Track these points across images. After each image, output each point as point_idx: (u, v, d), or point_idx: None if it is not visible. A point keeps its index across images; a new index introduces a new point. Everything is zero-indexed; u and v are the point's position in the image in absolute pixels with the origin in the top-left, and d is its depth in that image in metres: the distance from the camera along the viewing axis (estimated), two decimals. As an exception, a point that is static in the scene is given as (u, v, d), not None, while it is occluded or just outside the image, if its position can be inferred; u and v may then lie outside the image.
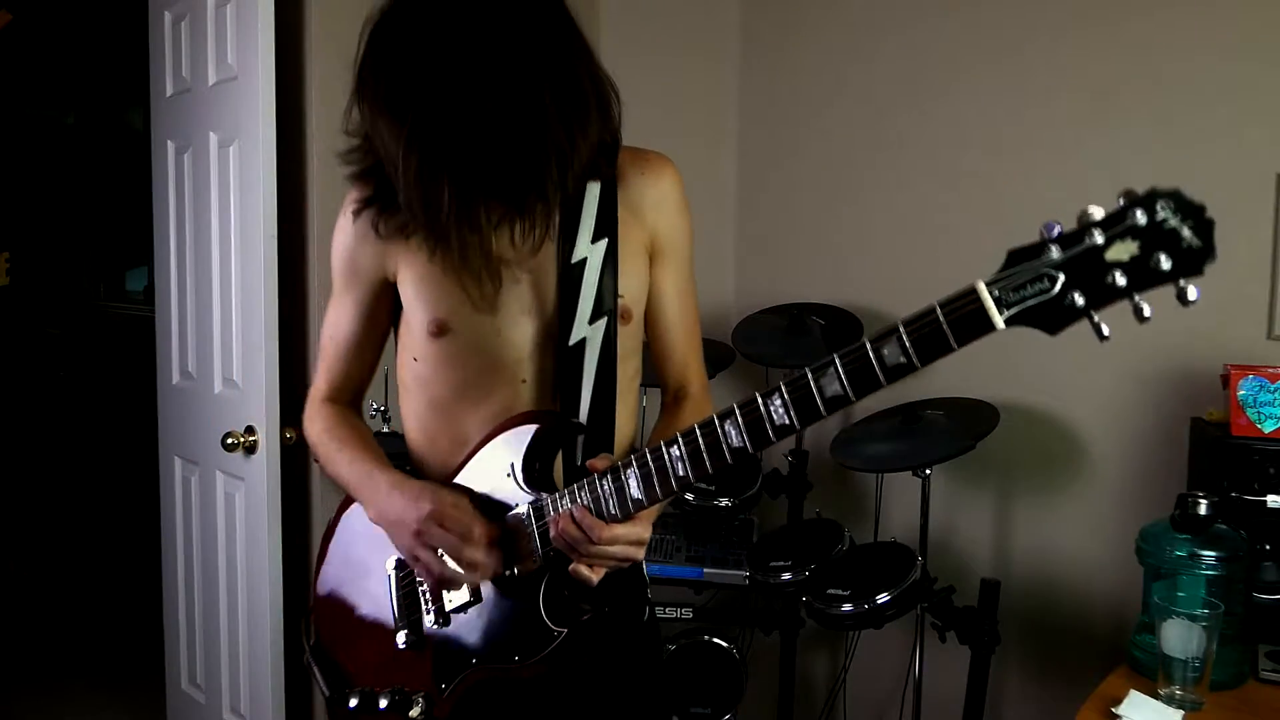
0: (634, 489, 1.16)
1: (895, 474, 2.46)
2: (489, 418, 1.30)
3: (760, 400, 1.06)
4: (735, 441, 1.08)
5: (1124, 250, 0.89)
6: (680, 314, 1.40)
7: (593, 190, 1.28)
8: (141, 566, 3.44)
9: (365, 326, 1.39)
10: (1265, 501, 1.78)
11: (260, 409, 2.36)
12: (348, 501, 1.45)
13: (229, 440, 2.37)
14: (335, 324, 1.42)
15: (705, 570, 2.47)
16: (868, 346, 0.98)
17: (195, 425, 2.62)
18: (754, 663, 2.64)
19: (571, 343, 1.28)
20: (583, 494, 1.20)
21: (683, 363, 1.43)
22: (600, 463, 1.20)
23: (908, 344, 0.97)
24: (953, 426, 2.17)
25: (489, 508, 1.27)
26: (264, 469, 2.37)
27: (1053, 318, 0.94)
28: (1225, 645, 1.54)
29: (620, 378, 1.31)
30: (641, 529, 1.21)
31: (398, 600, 1.36)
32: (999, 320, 0.94)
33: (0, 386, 4.63)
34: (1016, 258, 0.94)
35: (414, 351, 1.33)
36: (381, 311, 1.39)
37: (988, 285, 0.94)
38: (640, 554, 1.23)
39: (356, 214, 1.32)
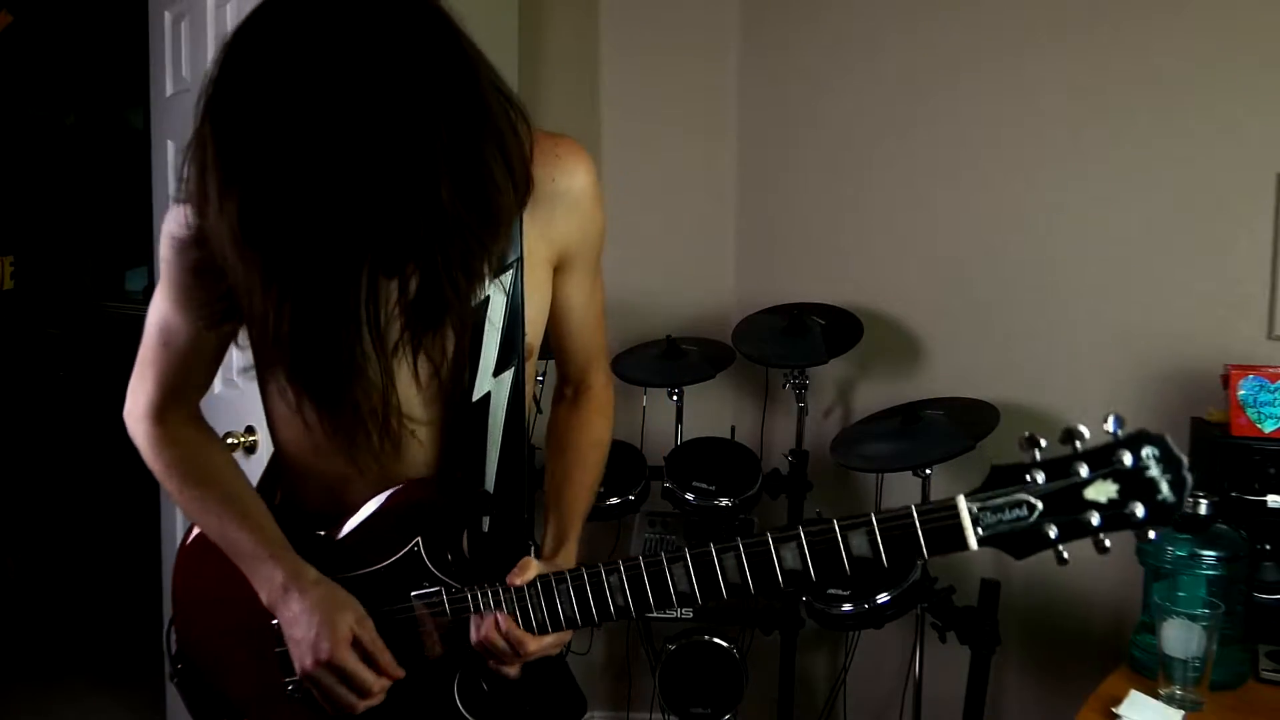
0: (565, 608, 1.09)
1: (895, 474, 2.46)
2: (372, 475, 1.13)
3: (714, 552, 1.02)
4: (683, 586, 1.03)
5: (1102, 491, 0.93)
6: (586, 317, 1.27)
7: None
8: (141, 566, 3.43)
9: (209, 337, 1.17)
10: (1265, 501, 1.78)
11: (260, 409, 2.36)
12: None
13: (229, 440, 2.37)
14: (170, 330, 1.18)
15: (705, 570, 2.46)
16: (836, 526, 0.99)
17: (195, 425, 2.62)
18: (754, 663, 2.64)
19: (475, 399, 1.13)
20: (506, 597, 1.10)
21: (585, 361, 1.32)
22: (519, 576, 1.10)
23: (877, 538, 0.98)
24: (953, 426, 2.17)
25: (388, 581, 1.14)
26: (264, 469, 2.37)
27: (1023, 544, 0.96)
28: (1225, 645, 1.54)
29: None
30: (564, 634, 1.13)
31: (284, 652, 1.17)
32: (972, 541, 0.96)
33: (0, 386, 4.63)
34: (1000, 478, 0.96)
35: (269, 382, 1.17)
36: (230, 326, 1.10)
37: (968, 499, 0.95)
38: (558, 650, 1.16)
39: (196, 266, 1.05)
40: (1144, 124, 2.21)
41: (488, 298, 1.10)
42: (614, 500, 2.45)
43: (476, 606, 1.12)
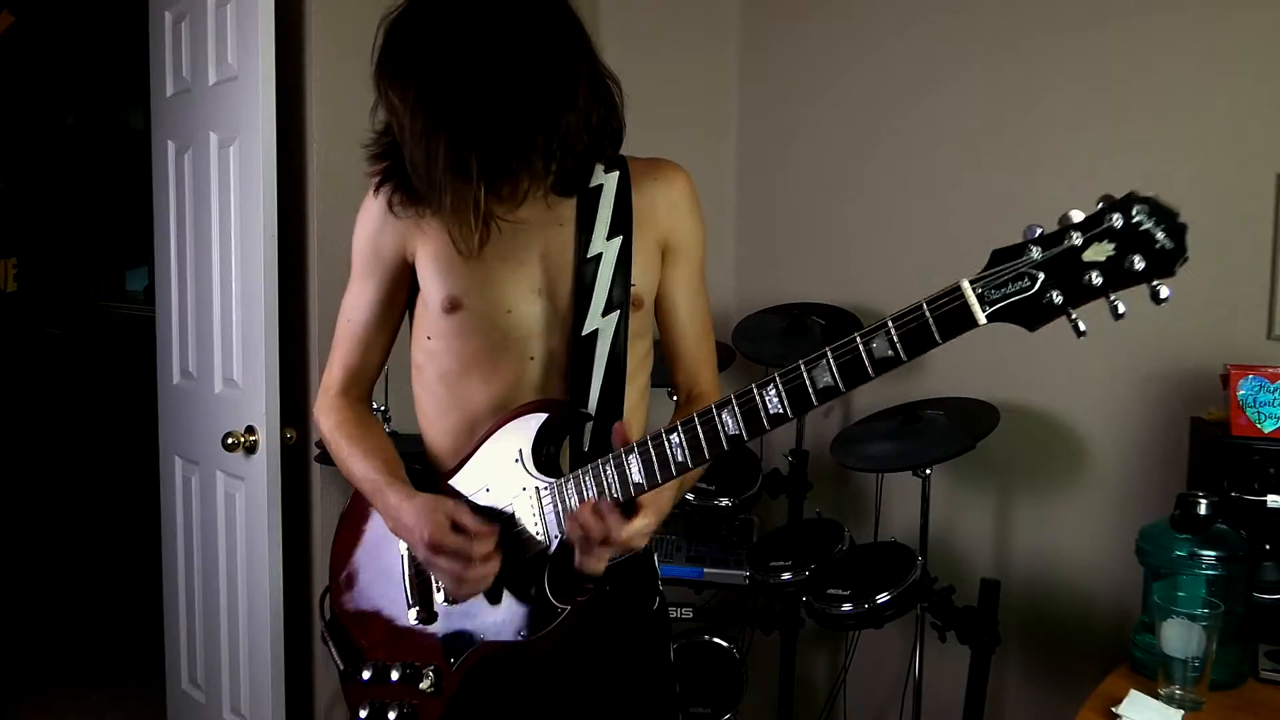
0: (635, 473, 1.20)
1: (895, 474, 2.46)
2: (497, 393, 1.35)
3: (755, 390, 1.12)
4: (731, 429, 1.14)
5: (1100, 251, 0.97)
6: (691, 316, 1.46)
7: (608, 188, 1.35)
8: (141, 566, 3.44)
9: (384, 310, 1.43)
10: (1265, 501, 1.78)
11: (260, 409, 2.36)
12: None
13: (229, 440, 2.37)
14: (355, 306, 1.45)
15: (705, 570, 2.47)
16: (858, 340, 1.04)
17: (195, 425, 2.62)
18: (754, 663, 2.64)
19: (585, 333, 1.33)
20: (587, 478, 1.24)
21: (694, 367, 1.50)
22: (619, 439, 1.24)
23: (895, 338, 1.03)
24: (953, 426, 2.17)
25: (495, 493, 1.32)
26: (264, 469, 2.37)
27: (1032, 314, 1.02)
28: (1225, 645, 1.54)
29: (630, 360, 1.36)
30: (652, 520, 1.26)
31: (410, 581, 1.40)
32: (981, 316, 1.02)
33: (1, 387, 4.63)
34: (999, 257, 1.01)
35: (428, 330, 1.38)
36: (400, 295, 1.43)
37: (971, 283, 1.01)
38: (645, 543, 1.29)
39: (377, 189, 1.36)
40: (1144, 124, 2.21)
41: (600, 254, 1.33)
42: (614, 500, 2.45)
43: (562, 493, 1.27)
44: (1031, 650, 2.41)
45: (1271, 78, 2.05)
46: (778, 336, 2.47)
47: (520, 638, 1.30)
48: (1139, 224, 0.97)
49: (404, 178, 1.30)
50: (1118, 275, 0.97)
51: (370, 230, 1.41)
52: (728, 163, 2.93)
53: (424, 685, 1.36)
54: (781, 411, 1.11)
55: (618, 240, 1.34)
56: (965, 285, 1.01)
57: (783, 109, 2.84)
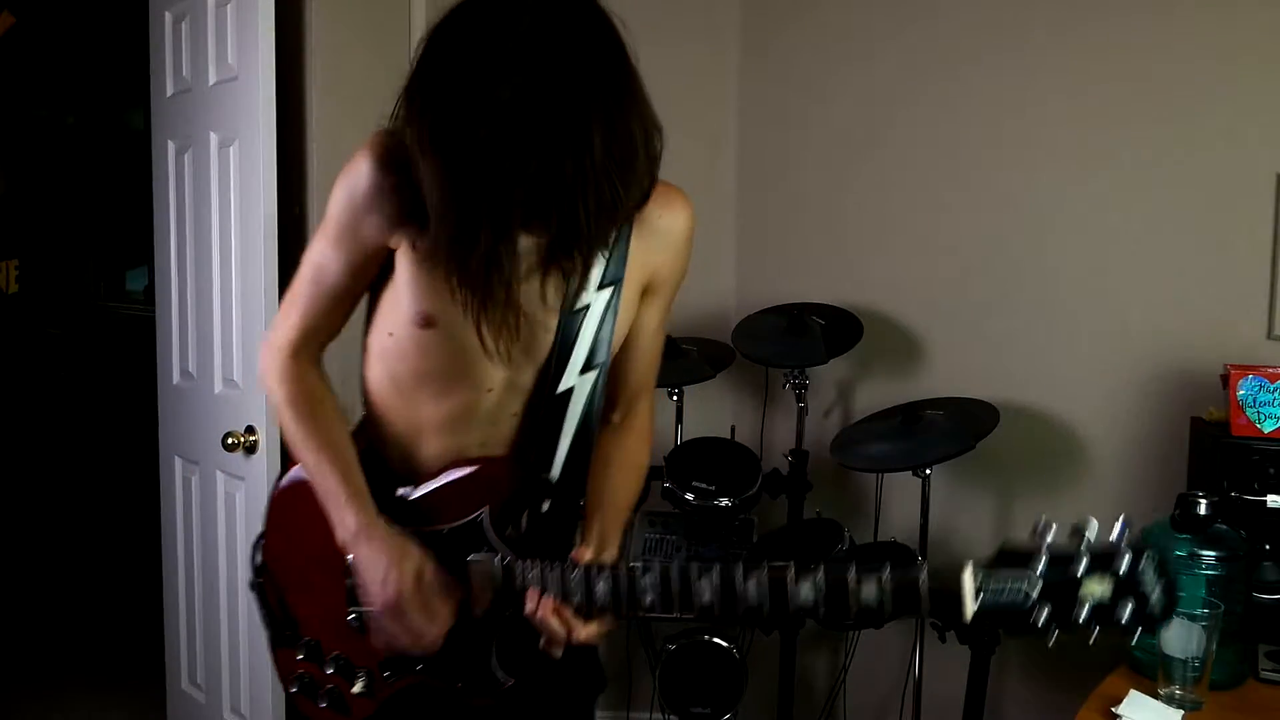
0: (600, 596, 1.19)
1: (895, 474, 2.46)
2: (447, 414, 1.28)
3: (739, 570, 1.11)
4: (705, 599, 1.12)
5: (1098, 587, 1.00)
6: (651, 347, 1.40)
7: None
8: (141, 566, 3.44)
9: (353, 281, 1.31)
10: (1265, 501, 1.78)
11: (260, 409, 2.36)
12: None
13: (229, 440, 2.37)
14: (322, 269, 1.31)
15: (705, 570, 2.46)
16: (853, 570, 1.06)
17: (195, 425, 2.62)
18: (754, 663, 2.64)
19: (559, 390, 1.27)
20: (552, 575, 1.21)
21: (638, 390, 1.43)
22: (581, 554, 1.25)
23: (886, 588, 1.04)
24: (953, 426, 2.17)
25: (451, 541, 1.28)
26: (264, 469, 2.37)
27: (1015, 621, 1.02)
28: (1225, 645, 1.54)
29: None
30: (611, 624, 1.25)
31: (352, 585, 1.32)
32: (969, 610, 1.02)
33: (1, 387, 4.63)
34: (1007, 556, 1.03)
35: (391, 327, 1.28)
36: (372, 269, 1.30)
37: (973, 571, 1.02)
38: (598, 640, 1.27)
39: (386, 155, 1.19)
40: (1144, 124, 2.21)
41: (588, 306, 1.25)
42: (614, 500, 2.45)
43: (524, 576, 1.23)
44: (1031, 650, 2.41)
45: (1271, 78, 2.05)
46: (778, 336, 2.47)
47: (458, 688, 1.29)
48: (1141, 577, 0.99)
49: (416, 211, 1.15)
50: (1104, 619, 0.99)
51: (355, 206, 1.24)
52: (728, 162, 2.93)
53: (356, 688, 1.32)
54: (755, 605, 1.11)
55: (608, 291, 1.26)
56: (967, 578, 1.02)
57: (783, 109, 2.84)
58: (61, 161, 4.90)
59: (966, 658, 2.06)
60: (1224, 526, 1.66)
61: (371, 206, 1.23)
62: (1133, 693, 1.54)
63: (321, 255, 1.31)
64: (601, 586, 1.18)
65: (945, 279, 2.53)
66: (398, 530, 1.27)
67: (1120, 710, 1.51)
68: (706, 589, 1.12)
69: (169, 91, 2.65)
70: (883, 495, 2.58)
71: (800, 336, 2.44)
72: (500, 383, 1.27)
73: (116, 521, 4.38)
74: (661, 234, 1.29)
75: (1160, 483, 2.14)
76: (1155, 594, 0.98)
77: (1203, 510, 1.64)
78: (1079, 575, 0.99)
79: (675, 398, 2.61)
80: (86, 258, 5.05)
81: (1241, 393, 1.83)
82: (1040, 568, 1.00)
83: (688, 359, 2.57)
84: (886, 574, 1.04)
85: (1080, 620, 0.99)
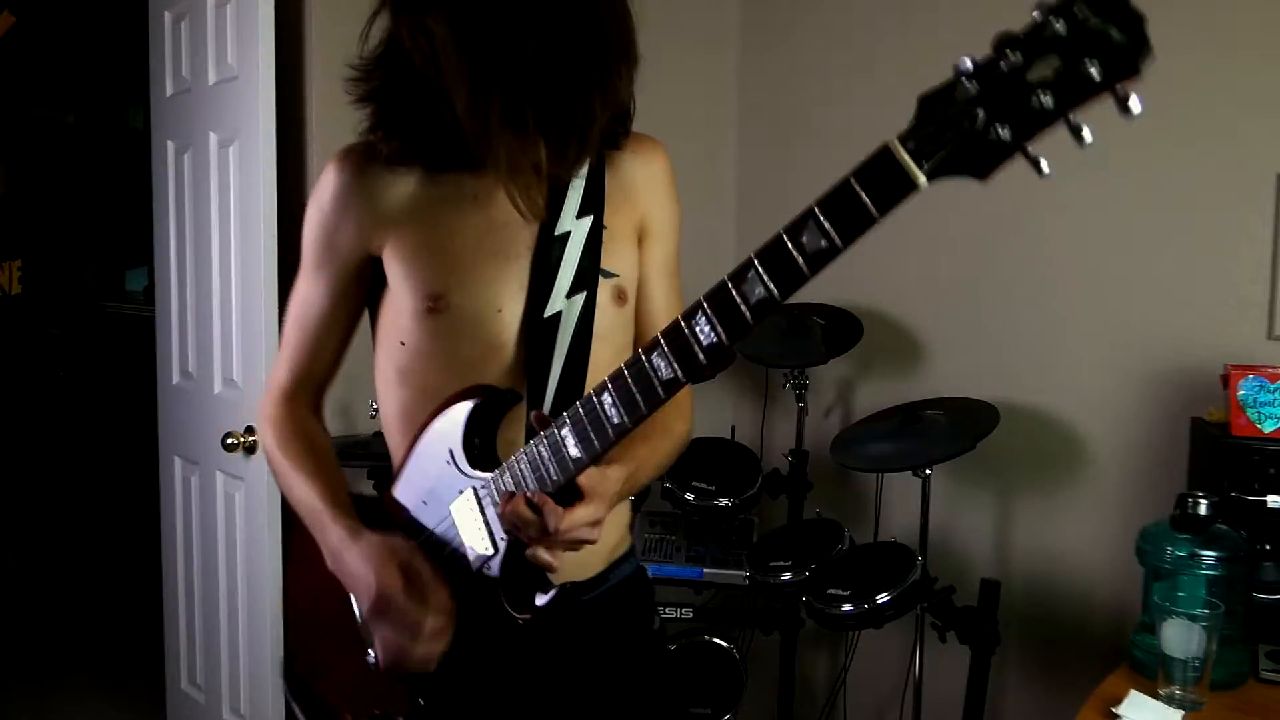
0: (571, 447, 1.06)
1: (895, 474, 2.46)
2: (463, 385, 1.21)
3: (682, 322, 0.96)
4: (665, 373, 0.98)
5: (1047, 67, 0.78)
6: (664, 297, 1.34)
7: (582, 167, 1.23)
8: (141, 566, 3.44)
9: (338, 307, 1.28)
10: (1265, 501, 1.78)
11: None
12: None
13: (229, 440, 2.37)
14: (306, 303, 1.29)
15: (705, 570, 2.47)
16: (784, 236, 0.90)
17: (195, 425, 2.62)
18: (754, 663, 2.64)
19: (547, 315, 1.21)
20: (520, 464, 1.11)
21: None
22: (538, 423, 1.12)
23: (825, 225, 0.88)
24: (953, 426, 2.17)
25: (433, 505, 1.20)
26: (264, 469, 2.37)
27: (979, 159, 0.82)
28: (1225, 645, 1.54)
29: (600, 356, 1.23)
30: (596, 508, 1.11)
31: (361, 618, 1.26)
32: (920, 177, 0.83)
33: (1, 387, 4.63)
34: (929, 103, 0.83)
35: (401, 335, 1.24)
36: (358, 292, 1.28)
37: (901, 140, 0.84)
38: (597, 535, 1.13)
39: (370, 135, 1.21)
40: (1144, 124, 2.20)
41: (569, 232, 1.21)
42: (614, 500, 2.45)
43: (498, 486, 1.13)
44: (1031, 650, 2.41)
45: (1271, 77, 2.05)
46: (778, 336, 2.47)
47: (483, 659, 1.20)
48: (1085, 22, 0.76)
49: (403, 122, 1.17)
50: (1072, 88, 0.78)
51: (326, 217, 1.24)
52: (728, 163, 2.92)
53: None
54: (716, 340, 0.95)
55: (588, 220, 1.22)
56: (895, 144, 0.84)
57: (782, 109, 2.84)
58: (61, 161, 4.90)
59: (966, 658, 2.07)
60: (1224, 527, 1.66)
61: (344, 209, 1.23)
62: (1133, 693, 1.54)
63: (302, 290, 1.30)
64: (567, 435, 1.06)
65: (945, 279, 2.52)
66: (378, 533, 1.20)
67: (1120, 710, 1.51)
68: (661, 363, 0.98)
69: (169, 91, 2.65)
70: (883, 495, 2.58)
71: (800, 336, 2.44)
72: (511, 331, 1.22)
73: (116, 521, 4.38)
74: (642, 178, 1.29)
75: (1160, 483, 2.14)
76: (1114, 30, 0.75)
77: (1203, 510, 1.64)
78: (1019, 64, 0.79)
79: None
80: (87, 258, 5.05)
81: (1241, 393, 1.83)
82: (970, 86, 0.81)
83: (688, 359, 2.57)
84: (815, 211, 0.88)
85: (1048, 108, 0.79)
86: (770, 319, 2.76)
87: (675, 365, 0.98)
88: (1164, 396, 2.19)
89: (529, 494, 1.08)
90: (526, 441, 1.14)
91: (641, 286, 1.32)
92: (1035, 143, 0.81)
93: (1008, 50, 0.80)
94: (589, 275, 1.22)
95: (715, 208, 2.91)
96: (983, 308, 2.46)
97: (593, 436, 1.05)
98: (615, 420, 1.03)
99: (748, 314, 0.94)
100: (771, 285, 0.92)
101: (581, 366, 1.23)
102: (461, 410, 1.17)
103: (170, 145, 2.66)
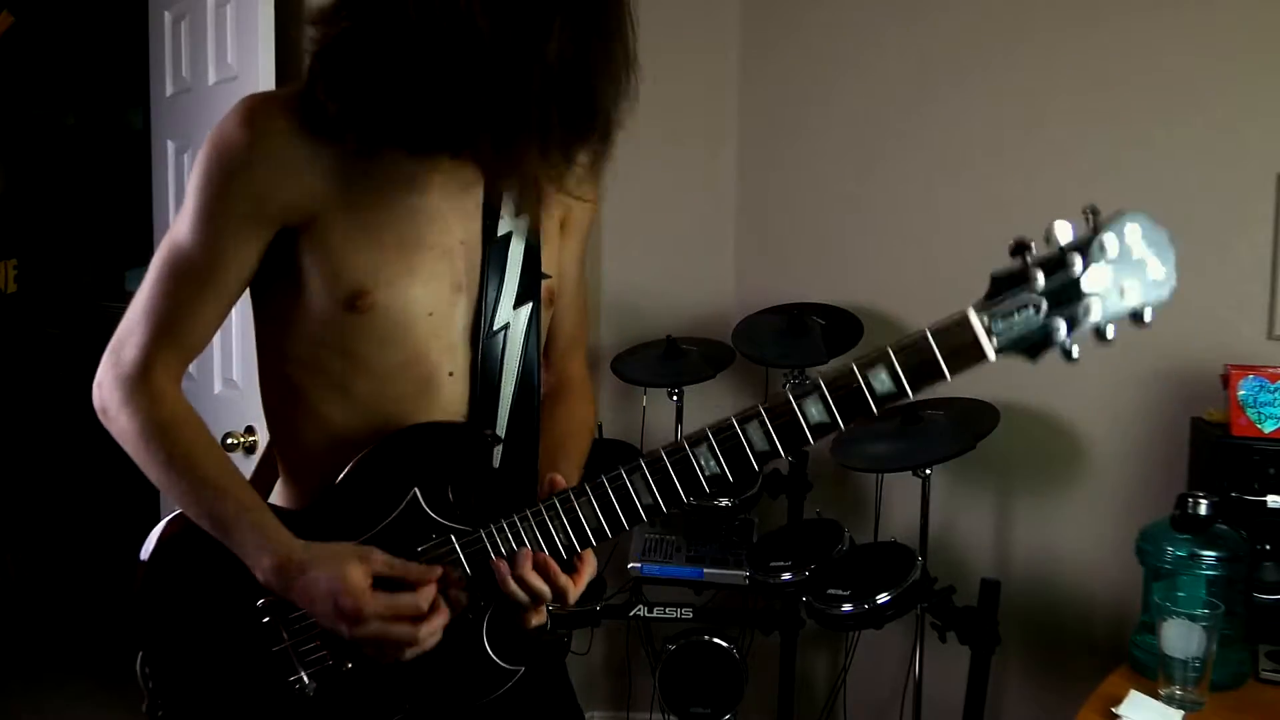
0: (590, 519, 1.03)
1: (895, 474, 2.46)
2: (395, 398, 1.09)
3: (737, 425, 0.97)
4: (713, 468, 0.99)
5: (1099, 278, 0.93)
6: (575, 293, 1.28)
7: None
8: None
9: (228, 272, 1.07)
10: (1265, 501, 1.78)
11: (260, 409, 2.35)
12: (171, 528, 1.16)
13: (229, 440, 2.37)
14: (188, 259, 1.06)
15: (705, 570, 2.46)
16: (856, 371, 0.95)
17: (195, 425, 2.62)
18: (754, 663, 2.64)
19: (495, 328, 1.11)
20: (525, 527, 1.04)
21: (569, 346, 1.30)
22: (556, 483, 1.06)
23: (899, 371, 0.96)
24: (953, 426, 2.17)
25: (394, 542, 1.07)
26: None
27: (1036, 345, 0.95)
28: (1225, 645, 1.54)
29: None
30: (592, 569, 1.09)
31: (293, 643, 1.09)
32: (990, 352, 0.94)
33: (1, 388, 4.63)
34: (1002, 284, 0.94)
35: (305, 335, 1.08)
36: (253, 263, 1.08)
37: (978, 312, 0.94)
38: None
39: (276, 108, 1.03)
40: (1144, 124, 2.21)
41: (510, 234, 1.13)
42: (613, 500, 2.45)
43: (495, 546, 1.05)
44: (1031, 650, 2.41)
45: (1271, 77, 2.05)
46: (778, 337, 2.47)
47: (460, 703, 1.11)
48: (1131, 248, 0.93)
49: (353, 82, 0.98)
50: (1114, 305, 0.94)
51: (235, 164, 1.02)
52: (728, 163, 2.92)
53: None
54: (768, 449, 0.97)
55: (524, 218, 1.13)
56: (973, 317, 0.94)
57: (783, 109, 2.83)
58: (61, 161, 4.90)
59: (966, 658, 2.06)
60: (1224, 527, 1.66)
61: (262, 162, 1.02)
62: (1133, 693, 1.54)
63: (188, 240, 1.06)
64: (585, 507, 1.02)
65: (945, 279, 2.51)
66: (317, 543, 1.05)
67: (1120, 710, 1.51)
68: (708, 456, 0.98)
69: (169, 91, 2.65)
70: (883, 495, 2.57)
71: (800, 336, 2.44)
72: (461, 366, 1.11)
73: (116, 521, 4.38)
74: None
75: (1160, 483, 2.14)
76: (1153, 258, 0.95)
77: (1203, 510, 1.64)
78: (1077, 274, 0.92)
79: (675, 398, 2.61)
80: (85, 257, 5.05)
81: (1242, 393, 1.83)
82: (1039, 281, 0.93)
83: (687, 359, 2.57)
84: (891, 356, 0.94)
85: (1095, 320, 0.93)
86: (770, 319, 2.76)
87: (722, 459, 0.99)
88: (1164, 396, 2.19)
89: (546, 559, 1.04)
90: (484, 480, 1.10)
91: (559, 281, 1.24)
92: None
93: (1070, 254, 0.93)
94: (534, 285, 1.15)
95: (715, 208, 2.91)
96: (983, 308, 2.45)
97: (619, 512, 1.03)
98: (648, 501, 1.02)
99: (808, 431, 0.98)
100: (835, 412, 0.98)
101: (533, 386, 1.15)
102: (424, 452, 1.07)
103: (170, 145, 2.65)
